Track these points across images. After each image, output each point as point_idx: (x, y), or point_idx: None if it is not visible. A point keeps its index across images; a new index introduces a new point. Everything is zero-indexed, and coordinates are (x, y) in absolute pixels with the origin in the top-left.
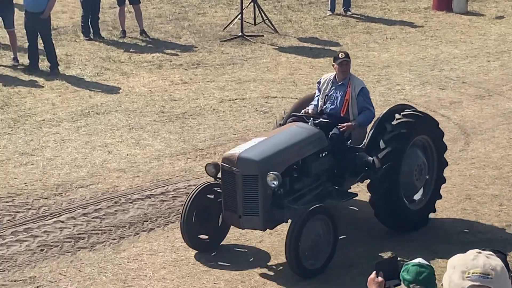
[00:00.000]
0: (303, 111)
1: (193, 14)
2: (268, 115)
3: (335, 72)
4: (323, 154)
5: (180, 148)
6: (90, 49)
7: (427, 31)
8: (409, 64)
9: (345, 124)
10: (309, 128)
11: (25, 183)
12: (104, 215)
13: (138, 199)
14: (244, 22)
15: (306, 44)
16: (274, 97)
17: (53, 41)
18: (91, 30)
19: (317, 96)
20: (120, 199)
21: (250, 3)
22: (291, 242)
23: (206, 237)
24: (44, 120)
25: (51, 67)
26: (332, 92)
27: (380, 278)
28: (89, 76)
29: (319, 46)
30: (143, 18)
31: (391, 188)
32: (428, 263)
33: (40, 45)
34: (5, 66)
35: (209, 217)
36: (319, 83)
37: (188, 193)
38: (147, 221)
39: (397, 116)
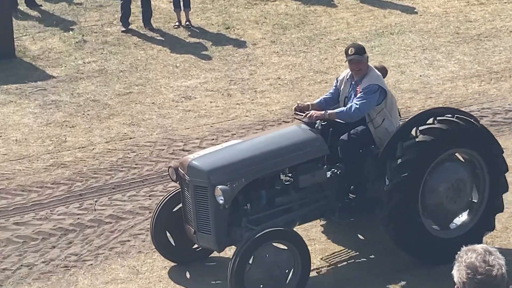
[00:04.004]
0: (307, 103)
1: None
2: None
3: None
4: (328, 163)
5: (474, 70)
6: None
7: None
8: None
9: (310, 112)
10: (303, 131)
11: None
12: None
13: None
14: None
15: None
16: None
17: None
18: None
19: (331, 92)
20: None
21: None
22: (232, 273)
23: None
24: (338, 39)
25: None
26: (350, 93)
27: None
28: None
29: None
30: None
31: (402, 208)
32: None
33: None
34: None
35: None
36: (337, 80)
37: None
38: None
39: (430, 120)
